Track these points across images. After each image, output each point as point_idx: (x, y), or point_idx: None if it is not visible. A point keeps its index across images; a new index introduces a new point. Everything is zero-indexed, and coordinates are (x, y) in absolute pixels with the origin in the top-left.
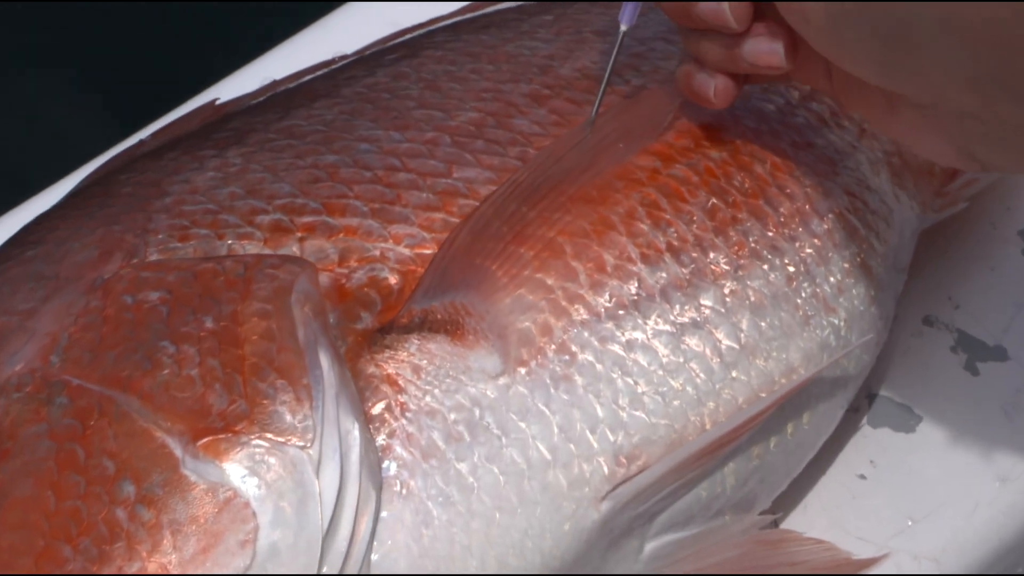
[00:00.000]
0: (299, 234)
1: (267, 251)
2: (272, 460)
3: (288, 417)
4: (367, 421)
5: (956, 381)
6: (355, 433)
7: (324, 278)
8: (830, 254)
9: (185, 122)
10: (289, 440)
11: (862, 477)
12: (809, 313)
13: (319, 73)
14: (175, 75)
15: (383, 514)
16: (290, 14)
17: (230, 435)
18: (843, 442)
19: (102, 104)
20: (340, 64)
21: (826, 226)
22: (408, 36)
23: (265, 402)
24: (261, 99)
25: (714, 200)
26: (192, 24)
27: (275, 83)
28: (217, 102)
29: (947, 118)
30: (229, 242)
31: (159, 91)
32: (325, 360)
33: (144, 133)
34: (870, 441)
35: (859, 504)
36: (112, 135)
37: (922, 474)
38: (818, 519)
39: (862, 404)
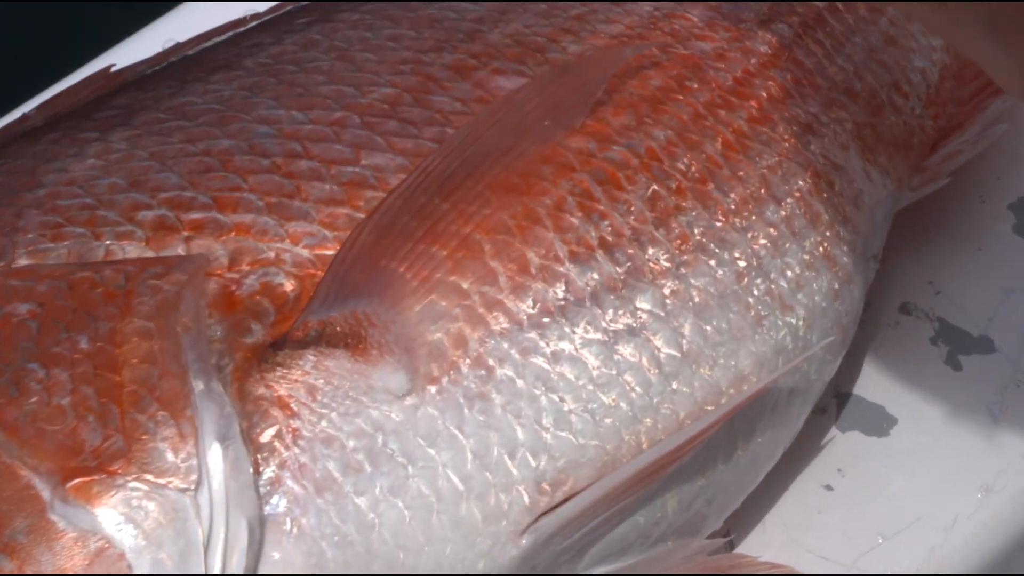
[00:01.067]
0: (185, 233)
1: (149, 252)
2: (151, 505)
3: (170, 455)
4: (255, 449)
5: (936, 377)
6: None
7: (212, 284)
8: (788, 244)
9: (74, 93)
10: (170, 482)
11: (828, 488)
12: (762, 313)
13: (225, 36)
14: (68, 38)
15: (273, 555)
16: None
17: (104, 476)
18: (807, 449)
19: None
20: (250, 26)
21: (783, 212)
22: None
23: (144, 438)
24: (158, 67)
25: (655, 187)
26: None
27: (178, 46)
28: (112, 69)
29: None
30: (107, 242)
31: (50, 56)
32: (207, 383)
33: (30, 106)
34: (838, 446)
35: (824, 520)
36: None
37: (896, 484)
38: (777, 537)
39: (829, 404)
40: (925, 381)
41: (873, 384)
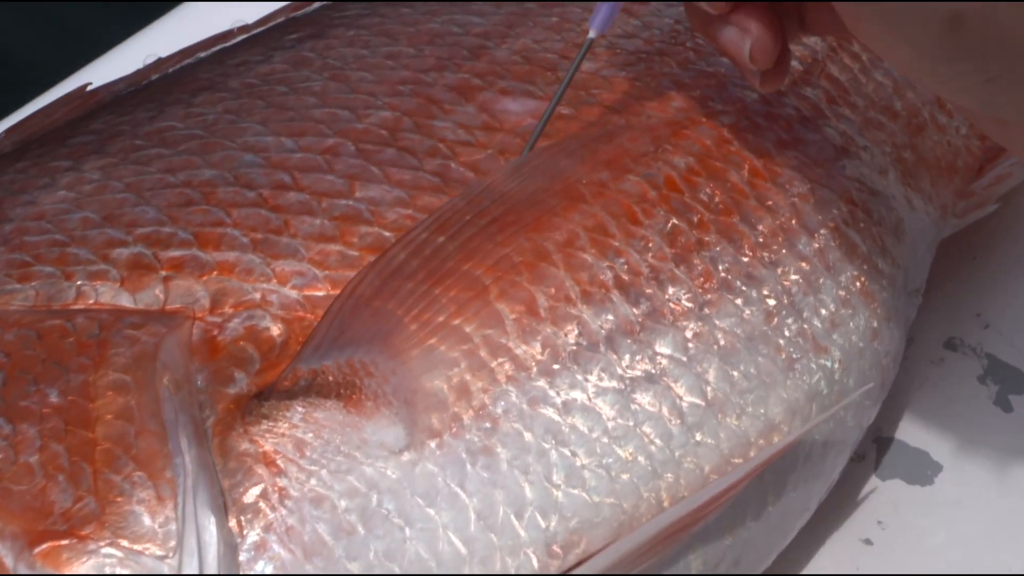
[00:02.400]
0: (163, 272)
1: (124, 293)
2: (125, 573)
3: (146, 519)
4: (239, 510)
5: (985, 419)
6: (211, 530)
7: (192, 329)
8: (821, 280)
9: (46, 115)
10: (147, 548)
11: (867, 542)
12: (794, 356)
13: (209, 52)
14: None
15: None
16: None
17: (75, 541)
18: (844, 499)
19: None
20: (238, 40)
21: (816, 245)
22: (319, 3)
23: (119, 500)
24: (137, 87)
25: (675, 221)
26: None
27: (159, 63)
28: (88, 88)
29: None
30: (78, 283)
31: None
32: (184, 440)
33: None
34: (878, 496)
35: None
36: None
37: (940, 537)
38: None
39: (868, 450)
40: (973, 424)
41: (916, 428)
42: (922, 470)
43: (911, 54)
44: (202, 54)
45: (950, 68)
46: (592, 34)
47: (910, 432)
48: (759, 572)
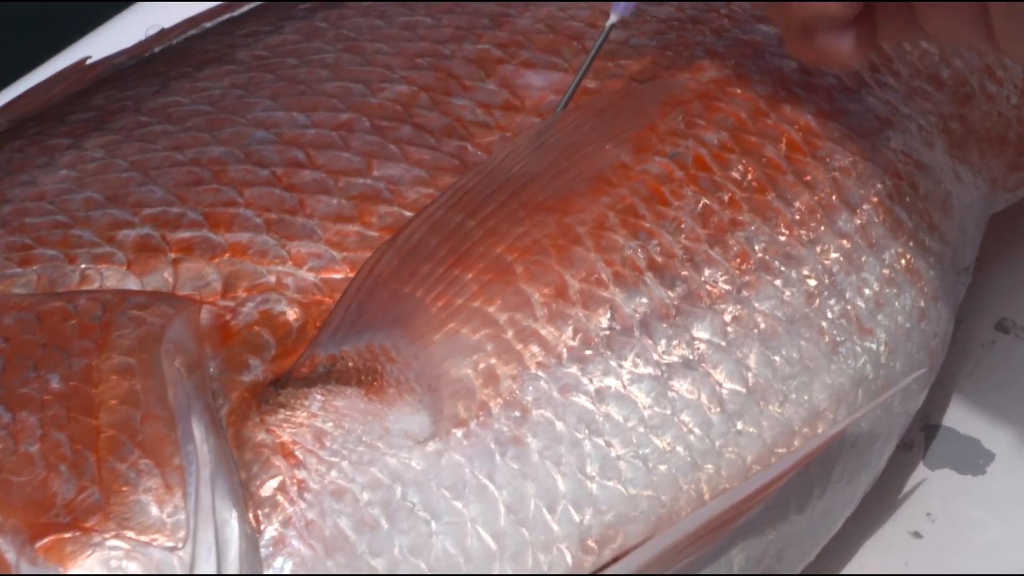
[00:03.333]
0: (172, 255)
1: (131, 277)
2: (133, 566)
3: (154, 509)
4: (255, 504)
5: None
6: (233, 524)
7: (204, 313)
8: (864, 258)
9: (43, 91)
10: (154, 540)
11: (916, 535)
12: (838, 339)
13: (216, 22)
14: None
15: None
16: None
17: (79, 533)
18: (891, 491)
19: None
20: (244, 10)
21: (858, 221)
22: None
23: (125, 489)
24: (139, 60)
25: (705, 200)
26: None
27: (162, 34)
28: (87, 62)
29: None
30: (82, 266)
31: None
32: (199, 428)
33: None
34: (927, 488)
35: (914, 572)
36: None
37: (994, 530)
38: None
39: (916, 439)
40: None
41: (966, 414)
42: (974, 459)
43: None
44: (208, 24)
45: None
46: (613, 18)
47: (960, 419)
48: (802, 567)
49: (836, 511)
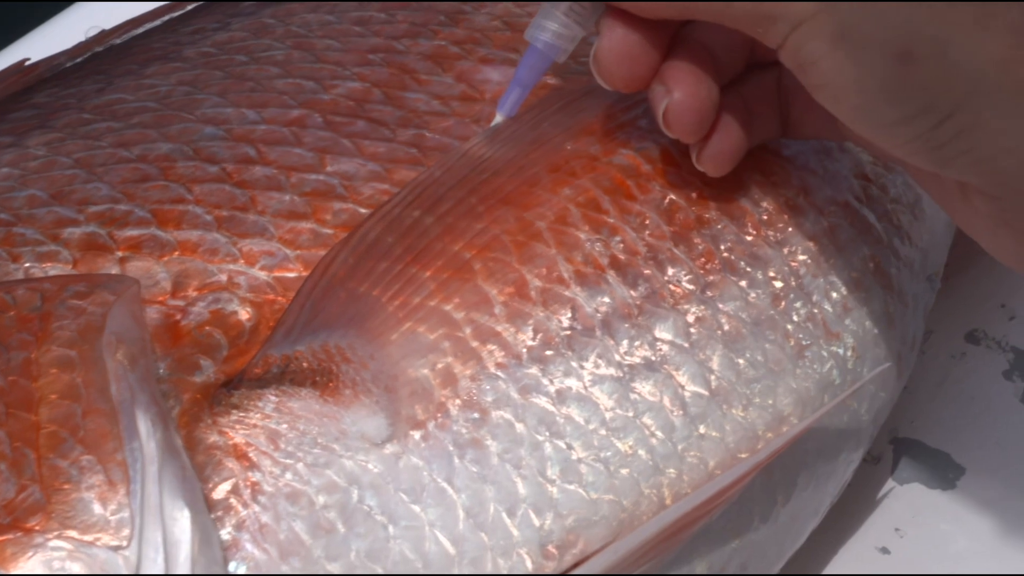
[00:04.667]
0: (119, 253)
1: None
2: (76, 567)
3: (97, 507)
4: (208, 507)
5: (1010, 418)
6: (183, 524)
7: (153, 313)
8: (832, 261)
9: None
10: (98, 539)
11: (884, 551)
12: (804, 342)
13: (160, 21)
14: None
15: None
16: None
17: (20, 534)
18: (859, 504)
19: None
20: (189, 8)
21: (826, 223)
22: None
23: (67, 487)
24: (81, 59)
25: (672, 196)
26: None
27: (103, 35)
28: (27, 63)
29: (1021, 213)
30: (26, 265)
31: None
32: (145, 422)
33: None
34: (895, 502)
35: None
36: None
37: (962, 544)
38: None
39: (884, 452)
40: (997, 423)
41: (936, 428)
42: (943, 473)
43: (860, 100)
44: (151, 24)
45: (899, 111)
46: (499, 118)
47: (929, 432)
48: None
49: (801, 520)
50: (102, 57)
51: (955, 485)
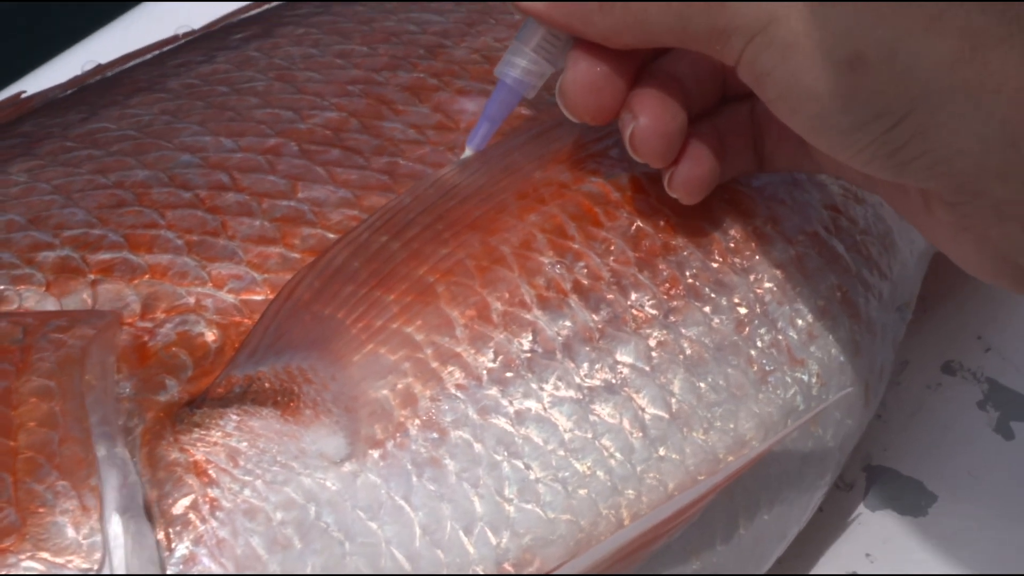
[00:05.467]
0: (92, 276)
1: (50, 298)
2: None
3: (70, 531)
4: (167, 522)
5: (984, 447)
6: (145, 542)
7: (122, 334)
8: (798, 289)
9: None
10: (70, 561)
11: None
12: (767, 368)
13: (151, 55)
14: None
15: None
16: None
17: None
18: (830, 531)
19: None
20: (181, 42)
21: (793, 251)
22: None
23: (42, 511)
24: (71, 91)
25: (639, 223)
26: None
27: (97, 68)
28: (23, 95)
29: (983, 218)
30: (1, 287)
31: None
32: (110, 448)
33: None
34: (868, 528)
35: None
36: None
37: (936, 572)
38: None
39: (857, 479)
40: (971, 452)
41: (909, 455)
42: (916, 501)
43: (815, 109)
44: (143, 59)
45: (853, 117)
46: (468, 151)
47: (903, 460)
48: None
49: (765, 544)
50: (91, 88)
51: (927, 512)
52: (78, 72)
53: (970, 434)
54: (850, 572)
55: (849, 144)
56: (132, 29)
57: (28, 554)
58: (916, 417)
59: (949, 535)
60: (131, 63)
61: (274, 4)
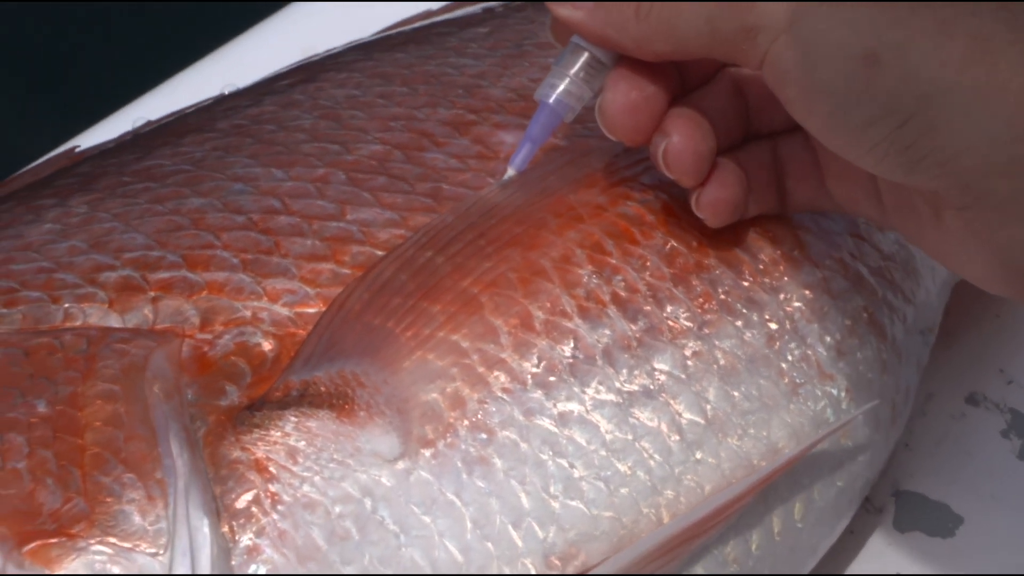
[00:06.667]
0: (152, 293)
1: (112, 314)
2: (116, 569)
3: (136, 518)
4: (231, 515)
5: (1007, 473)
6: (204, 531)
7: (183, 346)
8: (826, 309)
9: (34, 174)
10: (137, 546)
11: None
12: (798, 381)
13: (199, 106)
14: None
15: None
16: (182, 47)
17: (65, 539)
18: (862, 550)
19: None
20: (226, 96)
21: (820, 274)
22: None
23: (109, 500)
24: (124, 141)
25: (673, 243)
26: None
27: (148, 124)
28: (77, 150)
29: (990, 222)
30: (66, 305)
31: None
32: (176, 446)
33: None
34: (897, 548)
35: None
36: None
37: None
38: None
39: (887, 503)
40: (995, 477)
41: (936, 481)
42: (943, 523)
43: (830, 106)
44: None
45: (866, 113)
46: (511, 172)
47: (930, 486)
48: None
49: (798, 557)
50: (142, 136)
51: (954, 534)
52: (129, 128)
53: (994, 461)
54: None
55: (862, 142)
56: (180, 90)
57: (97, 539)
58: (942, 446)
59: (975, 554)
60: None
61: (319, 57)
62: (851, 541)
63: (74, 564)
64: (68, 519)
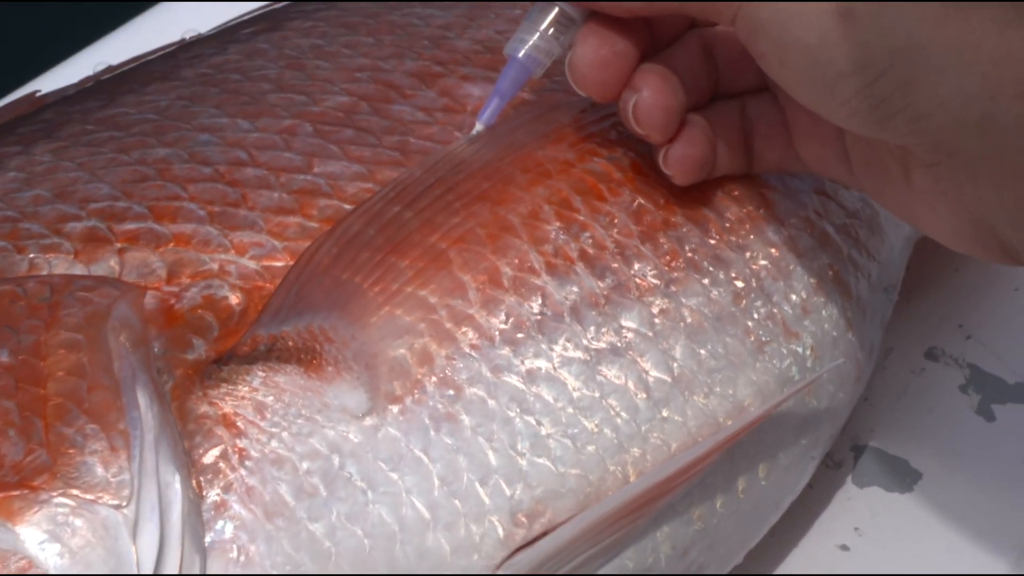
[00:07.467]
0: (118, 244)
1: (78, 265)
2: (78, 522)
3: (99, 470)
4: (198, 471)
5: (966, 428)
6: (176, 487)
7: (149, 298)
8: (791, 267)
9: None
10: (100, 498)
11: (844, 548)
12: (763, 339)
13: (161, 52)
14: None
15: None
16: None
17: (26, 491)
18: (820, 504)
19: None
20: (188, 41)
21: (786, 232)
22: (278, 5)
23: (71, 451)
24: (86, 88)
25: (641, 200)
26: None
27: (109, 68)
28: (37, 94)
29: (958, 181)
30: (31, 256)
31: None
32: (144, 397)
33: None
34: (855, 503)
35: None
36: None
37: (920, 545)
38: None
39: (845, 458)
40: (954, 432)
41: (895, 436)
42: (901, 478)
43: (803, 60)
44: (151, 58)
45: (839, 67)
46: (479, 126)
47: (889, 440)
48: (729, 567)
49: (761, 513)
50: (106, 81)
51: (912, 488)
52: (89, 73)
53: (953, 416)
54: (841, 544)
55: (835, 96)
56: (140, 34)
57: (59, 491)
58: (901, 400)
59: (932, 509)
60: (141, 62)
61: (282, 4)
62: (810, 497)
63: (36, 516)
64: (30, 471)
